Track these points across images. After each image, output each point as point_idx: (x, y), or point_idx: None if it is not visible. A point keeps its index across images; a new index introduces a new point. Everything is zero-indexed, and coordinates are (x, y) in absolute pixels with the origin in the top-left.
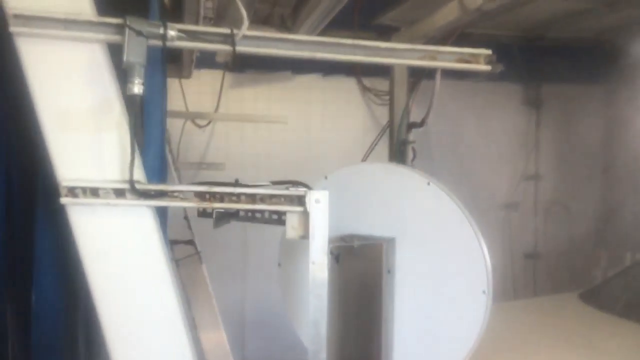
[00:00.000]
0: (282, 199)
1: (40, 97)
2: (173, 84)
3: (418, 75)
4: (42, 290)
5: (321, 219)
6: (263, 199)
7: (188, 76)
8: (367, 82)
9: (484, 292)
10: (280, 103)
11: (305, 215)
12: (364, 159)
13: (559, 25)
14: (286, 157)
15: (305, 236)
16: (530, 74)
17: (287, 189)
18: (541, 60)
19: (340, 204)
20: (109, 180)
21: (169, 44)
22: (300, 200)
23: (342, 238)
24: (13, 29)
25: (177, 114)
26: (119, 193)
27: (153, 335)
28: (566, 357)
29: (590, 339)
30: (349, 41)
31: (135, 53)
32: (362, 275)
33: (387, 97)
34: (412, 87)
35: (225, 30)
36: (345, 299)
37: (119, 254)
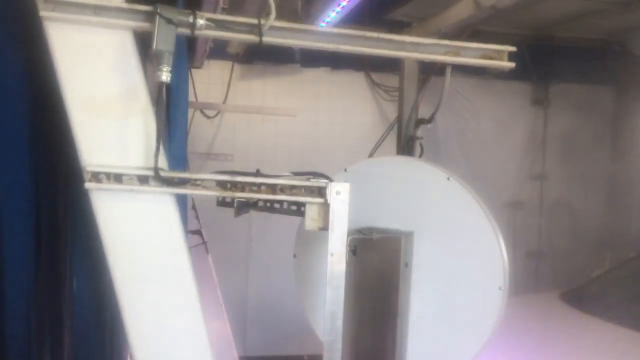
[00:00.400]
0: (303, 190)
1: (67, 82)
2: None
3: (428, 72)
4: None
5: (341, 210)
6: (283, 189)
7: (200, 66)
8: (375, 77)
9: (500, 288)
10: (289, 96)
11: (325, 206)
12: (372, 154)
13: (569, 25)
14: (293, 149)
15: (324, 227)
16: (539, 73)
17: (308, 180)
18: (550, 60)
19: (359, 196)
20: (133, 167)
21: (197, 32)
22: (320, 192)
23: (360, 230)
24: (43, 13)
25: None
26: (143, 180)
27: (172, 320)
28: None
29: (558, 338)
30: (374, 34)
31: (164, 41)
32: (378, 268)
33: (396, 93)
34: (422, 84)
35: (252, 20)
36: (361, 292)
37: (141, 240)
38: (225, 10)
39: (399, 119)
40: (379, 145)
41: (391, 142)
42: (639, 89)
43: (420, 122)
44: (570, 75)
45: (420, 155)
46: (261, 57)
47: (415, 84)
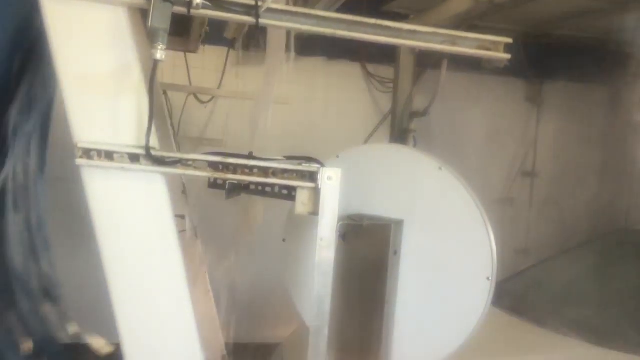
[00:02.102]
0: (294, 174)
1: (61, 58)
2: (178, 57)
3: (423, 65)
4: None
5: (332, 196)
6: (275, 172)
7: (195, 50)
8: (371, 68)
9: (488, 278)
10: (283, 84)
11: (316, 191)
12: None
13: (566, 24)
14: (286, 138)
15: (314, 212)
16: (533, 70)
17: (300, 164)
18: (545, 58)
19: (350, 182)
20: (125, 145)
21: (193, 11)
22: (312, 177)
23: (351, 217)
24: None
25: (180, 88)
26: (134, 158)
27: (159, 301)
28: None
29: None
30: (372, 20)
31: (160, 19)
32: (367, 255)
33: (391, 85)
34: (417, 76)
35: (249, 2)
36: (348, 278)
37: (130, 218)
38: None
39: (393, 110)
40: (371, 136)
41: (384, 133)
42: (633, 89)
43: (414, 114)
44: (565, 73)
45: (414, 148)
46: (257, 44)
47: (410, 76)
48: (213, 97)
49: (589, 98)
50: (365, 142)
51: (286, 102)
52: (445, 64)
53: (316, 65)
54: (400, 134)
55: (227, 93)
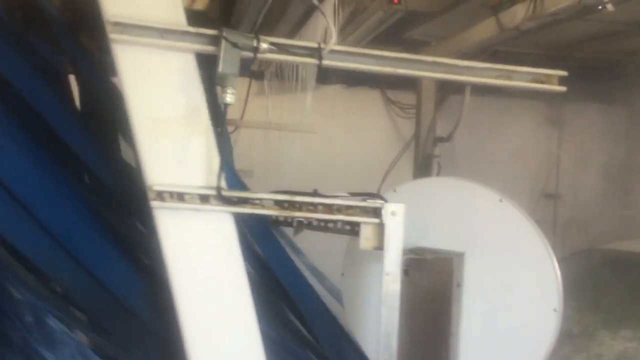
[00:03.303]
0: (358, 210)
1: (133, 103)
2: None
3: (445, 90)
4: None
5: (397, 231)
6: (340, 209)
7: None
8: (391, 94)
9: (555, 310)
10: (305, 112)
11: (380, 226)
12: (388, 171)
13: (585, 46)
14: (309, 166)
15: (379, 247)
16: (554, 93)
17: (364, 200)
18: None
19: (408, 216)
20: (195, 186)
21: (259, 55)
22: (376, 212)
23: (413, 250)
24: (112, 35)
25: None
26: (204, 199)
27: (229, 337)
28: None
29: None
30: (430, 58)
31: (229, 64)
32: (430, 288)
33: (411, 110)
34: (439, 102)
35: (312, 44)
36: (411, 312)
37: (202, 257)
38: (258, 31)
39: (417, 136)
40: (396, 162)
41: (406, 159)
42: None
43: (438, 139)
44: (585, 95)
45: (438, 173)
46: (278, 73)
47: (432, 102)
48: (236, 128)
49: (609, 118)
50: (389, 168)
51: (312, 131)
52: (468, 89)
53: (335, 92)
54: (424, 160)
55: (252, 123)
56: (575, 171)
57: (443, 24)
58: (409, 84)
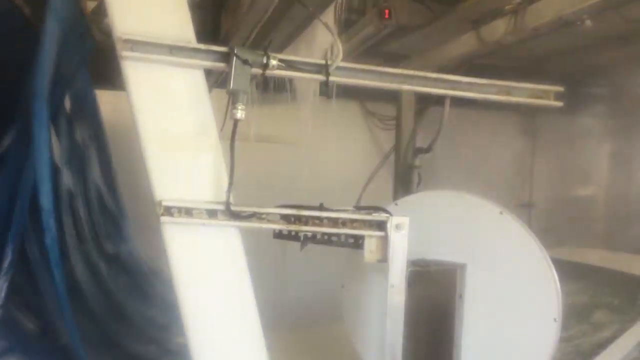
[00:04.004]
0: (363, 224)
1: (142, 119)
2: None
3: (425, 102)
4: None
5: (401, 244)
6: (345, 223)
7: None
8: (370, 106)
9: (555, 319)
10: (284, 124)
11: (385, 239)
12: (368, 182)
13: (560, 59)
14: (287, 177)
15: (383, 260)
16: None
17: (369, 214)
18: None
19: (411, 229)
20: (203, 201)
21: (268, 72)
22: (380, 226)
23: (415, 262)
24: (122, 52)
25: None
26: (212, 214)
27: (236, 350)
28: None
29: None
30: (434, 75)
31: (240, 80)
32: (433, 299)
33: (390, 122)
34: (419, 113)
35: (320, 61)
36: (414, 323)
37: (209, 271)
38: (251, 44)
39: (397, 147)
40: (375, 174)
41: (385, 170)
42: (624, 121)
43: (418, 151)
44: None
45: (419, 184)
46: (258, 85)
47: (412, 113)
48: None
49: (581, 129)
50: (370, 178)
51: (293, 143)
52: (448, 101)
53: (314, 104)
54: (405, 170)
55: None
56: (549, 181)
57: (423, 37)
58: (389, 95)
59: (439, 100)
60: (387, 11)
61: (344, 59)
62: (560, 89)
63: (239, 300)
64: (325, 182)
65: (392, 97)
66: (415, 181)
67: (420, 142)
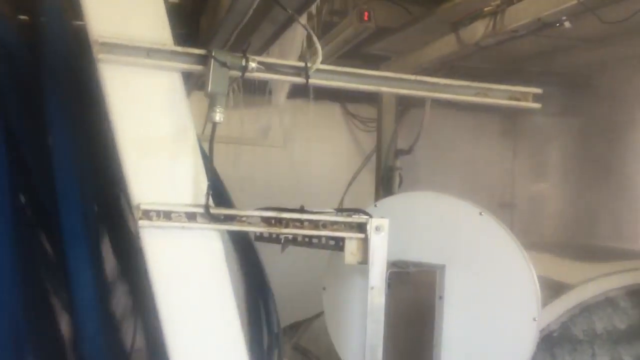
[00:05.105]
0: (343, 226)
1: (119, 122)
2: None
3: (405, 104)
4: None
5: (381, 245)
6: (326, 225)
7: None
8: (351, 108)
9: (534, 319)
10: (266, 127)
11: (365, 241)
12: (350, 184)
13: (538, 60)
14: (270, 180)
15: (363, 262)
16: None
17: (349, 216)
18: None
19: (391, 230)
20: (182, 204)
21: (247, 75)
22: (360, 227)
23: (396, 264)
24: (98, 55)
25: None
26: (191, 216)
27: (216, 356)
28: None
29: None
30: (412, 77)
31: (218, 83)
32: (413, 300)
33: (371, 124)
34: (399, 115)
35: (299, 64)
36: (394, 324)
37: (188, 275)
38: (231, 47)
39: (378, 149)
40: (357, 176)
41: (367, 172)
42: (601, 121)
43: (399, 152)
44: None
45: (400, 185)
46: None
47: (393, 115)
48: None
49: (561, 130)
50: (351, 181)
51: (278, 145)
52: (429, 102)
53: (295, 106)
54: (386, 172)
55: (222, 138)
56: (530, 181)
57: (402, 39)
58: (370, 97)
59: (420, 101)
60: (366, 13)
61: (324, 61)
62: (538, 90)
63: (219, 304)
64: (308, 184)
65: (373, 98)
66: (396, 182)
67: (402, 143)
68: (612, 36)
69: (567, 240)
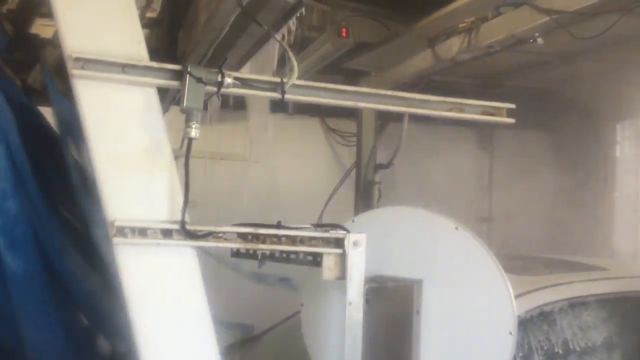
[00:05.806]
0: (321, 241)
1: (94, 138)
2: None
3: (385, 118)
4: None
5: (359, 260)
6: (303, 240)
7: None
8: (330, 122)
9: (510, 333)
10: (244, 141)
11: (343, 256)
12: (330, 199)
13: (514, 75)
14: (249, 194)
15: (341, 277)
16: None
17: (327, 231)
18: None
19: (368, 245)
20: (157, 221)
21: (223, 90)
22: (338, 243)
23: (373, 279)
24: (72, 71)
25: None
26: (166, 233)
27: None
28: None
29: None
30: (389, 92)
31: (193, 98)
32: (390, 316)
33: (351, 138)
34: (379, 129)
35: (275, 79)
36: (374, 340)
37: (163, 292)
38: (208, 62)
39: (358, 164)
40: (337, 190)
41: (347, 186)
42: (575, 134)
43: (379, 167)
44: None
45: (379, 199)
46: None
47: (372, 129)
48: (177, 157)
49: (536, 144)
50: (331, 196)
51: (256, 161)
52: (407, 117)
53: (275, 121)
54: (365, 186)
55: (197, 153)
56: (506, 195)
57: (381, 54)
58: (349, 112)
59: (399, 116)
60: (344, 30)
61: (301, 76)
62: (512, 105)
63: (194, 321)
64: (287, 198)
65: (353, 113)
66: (375, 197)
67: (381, 157)
68: (584, 51)
69: (533, 254)
